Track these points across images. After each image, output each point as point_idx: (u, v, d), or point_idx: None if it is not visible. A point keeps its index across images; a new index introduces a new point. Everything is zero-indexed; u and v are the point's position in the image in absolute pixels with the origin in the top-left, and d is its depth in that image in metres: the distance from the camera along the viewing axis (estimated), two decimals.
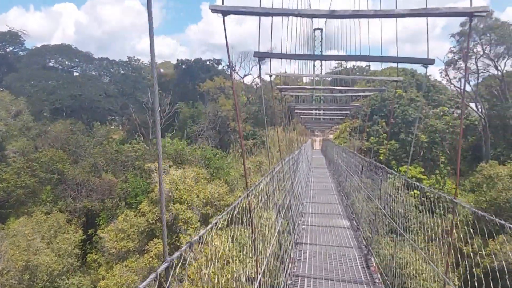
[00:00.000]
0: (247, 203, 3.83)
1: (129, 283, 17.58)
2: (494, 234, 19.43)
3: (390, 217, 8.41)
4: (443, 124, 34.40)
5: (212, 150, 32.52)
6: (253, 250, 4.92)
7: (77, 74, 54.24)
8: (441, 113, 35.87)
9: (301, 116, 24.28)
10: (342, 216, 13.09)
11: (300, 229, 10.57)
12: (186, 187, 21.05)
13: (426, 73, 7.67)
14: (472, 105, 38.97)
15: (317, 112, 24.09)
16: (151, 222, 20.84)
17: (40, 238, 19.97)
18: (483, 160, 32.20)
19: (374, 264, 8.15)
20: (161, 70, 61.33)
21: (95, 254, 21.98)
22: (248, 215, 4.13)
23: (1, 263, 18.52)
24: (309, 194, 17.06)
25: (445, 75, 40.60)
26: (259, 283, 5.10)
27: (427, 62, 5.82)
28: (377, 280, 7.38)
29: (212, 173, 27.23)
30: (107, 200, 25.64)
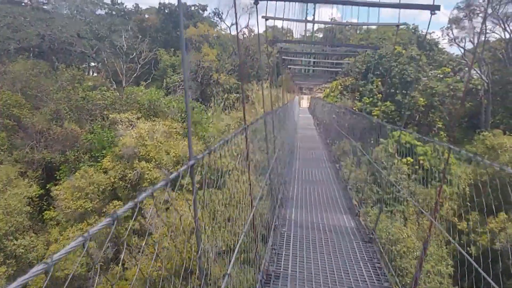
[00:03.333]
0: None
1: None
2: (494, 211, 17.43)
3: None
4: (444, 86, 31.70)
5: (190, 102, 29.64)
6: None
7: (47, 10, 49.28)
8: (442, 75, 33.21)
9: (290, 66, 21.28)
10: (342, 208, 8.81)
11: (278, 235, 6.93)
12: (155, 143, 18.40)
13: (430, 20, 6.26)
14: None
15: (309, 61, 21.44)
16: (113, 180, 18.36)
17: None
18: (480, 128, 30.13)
19: None
20: (146, 15, 56.86)
21: (53, 212, 19.51)
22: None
23: None
24: (295, 167, 13.36)
25: (447, 34, 37.71)
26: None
27: (432, 8, 5.52)
28: None
29: None
30: (69, 152, 22.87)
